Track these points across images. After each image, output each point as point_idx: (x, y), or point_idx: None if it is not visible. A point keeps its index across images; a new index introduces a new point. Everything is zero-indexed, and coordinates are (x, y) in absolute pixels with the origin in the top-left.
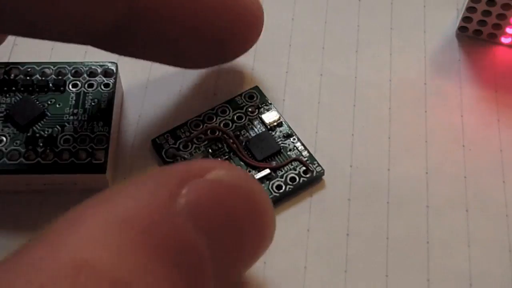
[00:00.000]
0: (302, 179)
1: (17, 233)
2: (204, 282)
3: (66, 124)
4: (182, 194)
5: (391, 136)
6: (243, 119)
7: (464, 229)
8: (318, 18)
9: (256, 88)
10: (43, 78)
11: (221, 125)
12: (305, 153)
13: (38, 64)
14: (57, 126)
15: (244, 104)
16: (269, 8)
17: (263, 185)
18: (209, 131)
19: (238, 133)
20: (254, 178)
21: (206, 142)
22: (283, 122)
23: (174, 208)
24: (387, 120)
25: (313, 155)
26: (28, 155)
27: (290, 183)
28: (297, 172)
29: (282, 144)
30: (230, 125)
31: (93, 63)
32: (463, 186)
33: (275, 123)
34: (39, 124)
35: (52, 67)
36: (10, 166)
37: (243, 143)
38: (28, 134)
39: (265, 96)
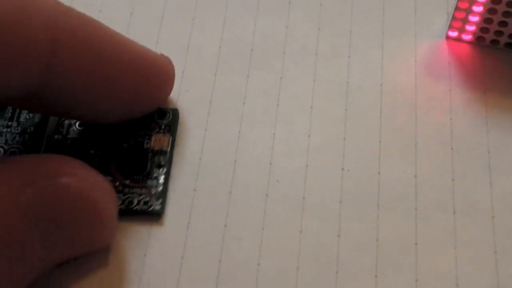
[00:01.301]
0: (138, 207)
1: None
2: (25, 269)
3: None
4: (27, 192)
5: (382, 140)
6: (141, 131)
7: (451, 231)
8: (312, 25)
9: (175, 110)
10: None
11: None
12: (160, 188)
13: None
14: None
15: (154, 117)
16: (264, 16)
17: None
18: None
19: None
20: (107, 185)
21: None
22: (168, 152)
23: (16, 203)
24: (378, 124)
25: (167, 195)
26: None
27: (127, 204)
28: (139, 199)
29: (151, 169)
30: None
31: None
32: (451, 189)
33: (158, 149)
34: None
35: None
36: None
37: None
38: None
39: (176, 122)
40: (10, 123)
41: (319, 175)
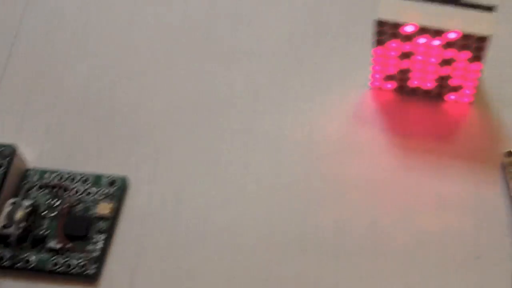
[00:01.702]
0: (74, 270)
1: None
2: None
3: None
4: None
5: (311, 187)
6: (90, 195)
7: (371, 272)
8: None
9: (124, 178)
10: None
11: (76, 183)
12: (97, 253)
13: None
14: None
15: (104, 183)
16: (211, 68)
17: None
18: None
19: (78, 202)
20: None
21: (46, 190)
22: (110, 219)
23: None
24: (306, 173)
25: (104, 260)
26: None
27: (66, 267)
28: (77, 262)
29: (91, 234)
30: (81, 191)
31: None
32: (373, 232)
33: (102, 216)
34: None
35: None
36: None
37: (70, 211)
38: None
39: (121, 190)
40: None
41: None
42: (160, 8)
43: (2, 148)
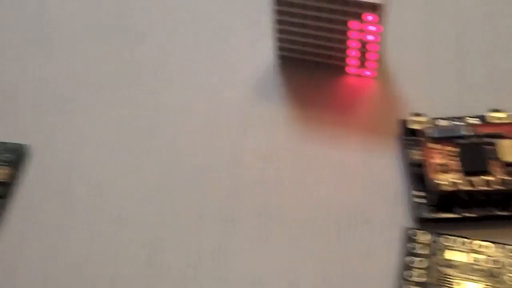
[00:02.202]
0: None
1: None
2: None
3: None
4: None
5: (212, 158)
6: None
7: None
8: None
9: (23, 145)
10: None
11: None
12: None
13: None
14: None
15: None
16: None
17: None
18: None
19: None
20: None
21: None
22: (6, 185)
23: None
24: (208, 145)
25: None
26: None
27: None
28: None
29: None
30: None
31: None
32: (268, 200)
33: None
34: None
35: None
36: None
37: None
38: None
39: (20, 157)
40: None
41: None
42: None
43: None
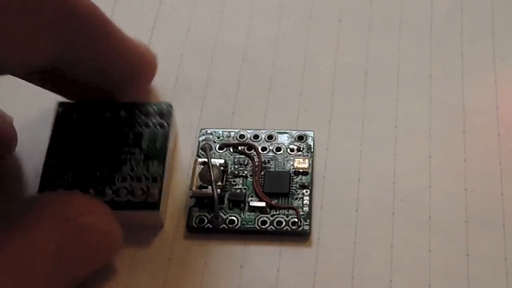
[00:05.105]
0: (286, 227)
1: None
2: None
3: (124, 163)
4: (54, 239)
5: (502, 161)
6: (281, 151)
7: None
8: (423, 48)
9: (312, 132)
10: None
11: (260, 147)
12: (306, 208)
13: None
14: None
15: (290, 141)
16: (377, 40)
17: (252, 213)
18: (246, 147)
19: (268, 160)
20: (112, 216)
21: (237, 153)
22: (309, 174)
23: (45, 251)
24: (497, 146)
25: (311, 214)
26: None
27: (275, 225)
28: (287, 219)
29: (293, 190)
30: (267, 150)
31: (149, 104)
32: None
33: (301, 170)
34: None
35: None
36: None
37: (264, 171)
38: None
39: (311, 145)
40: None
41: (443, 195)
42: None
43: (160, 107)
